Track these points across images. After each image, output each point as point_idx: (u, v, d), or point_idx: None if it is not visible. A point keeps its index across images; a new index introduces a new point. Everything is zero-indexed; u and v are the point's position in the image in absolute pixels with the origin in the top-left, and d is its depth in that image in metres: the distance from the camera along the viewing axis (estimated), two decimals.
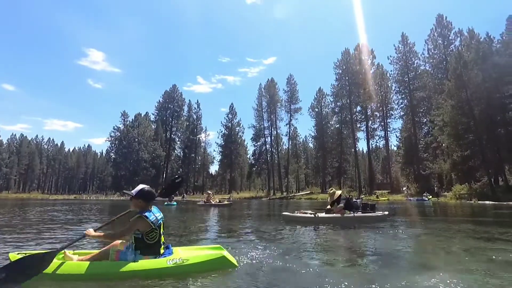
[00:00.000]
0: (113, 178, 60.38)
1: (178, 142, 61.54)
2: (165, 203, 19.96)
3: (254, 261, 3.33)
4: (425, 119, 42.15)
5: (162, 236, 2.95)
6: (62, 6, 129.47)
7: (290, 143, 54.11)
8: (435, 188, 34.74)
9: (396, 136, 49.23)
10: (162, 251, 2.91)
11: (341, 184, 47.77)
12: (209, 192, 20.72)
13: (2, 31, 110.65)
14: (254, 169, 54.21)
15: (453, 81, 27.95)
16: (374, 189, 41.75)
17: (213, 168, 66.81)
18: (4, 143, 74.82)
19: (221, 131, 56.63)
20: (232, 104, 58.07)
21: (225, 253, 2.99)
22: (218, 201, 19.00)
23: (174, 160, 60.24)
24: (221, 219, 10.18)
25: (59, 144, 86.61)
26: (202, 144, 59.86)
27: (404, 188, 38.38)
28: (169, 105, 61.89)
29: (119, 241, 2.89)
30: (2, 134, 72.89)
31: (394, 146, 51.17)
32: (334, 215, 8.08)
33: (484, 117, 25.51)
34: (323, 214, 8.21)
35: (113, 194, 52.82)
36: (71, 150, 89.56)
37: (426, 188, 33.14)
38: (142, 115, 62.15)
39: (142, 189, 2.96)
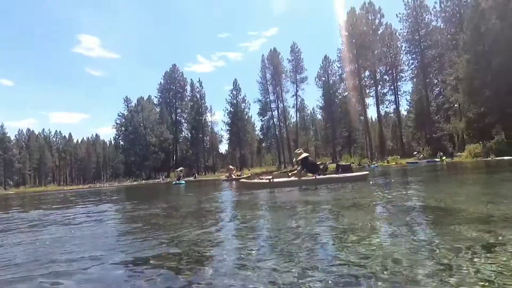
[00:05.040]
0: (124, 165, 60.89)
1: (185, 124, 60.92)
2: (174, 182, 20.71)
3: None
4: (436, 80, 40.72)
5: None
6: None
7: (298, 115, 53.32)
8: (450, 149, 34.04)
9: (407, 100, 47.97)
10: None
11: (351, 153, 47.33)
12: (231, 167, 21.19)
13: None
14: (263, 144, 53.90)
15: (469, 33, 26.33)
16: (386, 155, 41.25)
17: (223, 147, 66.79)
18: (13, 139, 75.36)
19: (227, 109, 55.84)
20: (235, 80, 56.62)
21: None
22: (238, 175, 19.67)
23: (183, 142, 60.05)
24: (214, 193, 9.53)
25: (67, 136, 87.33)
26: (209, 123, 59.22)
27: (415, 152, 37.87)
28: (171, 86, 60.72)
29: None
30: (10, 131, 72.78)
31: (405, 110, 50.02)
32: (292, 178, 8.00)
33: (504, 69, 24.12)
34: (282, 179, 8.21)
35: (127, 180, 53.53)
36: (79, 141, 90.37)
37: (439, 150, 32.42)
38: (145, 99, 61.30)
39: None
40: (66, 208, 7.13)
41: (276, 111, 51.82)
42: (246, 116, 56.88)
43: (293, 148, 51.62)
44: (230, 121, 55.12)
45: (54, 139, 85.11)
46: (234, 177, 18.43)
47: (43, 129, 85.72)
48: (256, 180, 8.50)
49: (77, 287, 1.52)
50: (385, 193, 5.01)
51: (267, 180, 7.89)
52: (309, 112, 65.99)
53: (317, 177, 7.78)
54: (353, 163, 33.98)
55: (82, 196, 12.52)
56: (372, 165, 30.80)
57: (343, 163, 11.00)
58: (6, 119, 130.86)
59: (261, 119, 53.87)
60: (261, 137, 54.62)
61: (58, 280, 1.62)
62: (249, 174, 20.27)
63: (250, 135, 57.04)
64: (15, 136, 77.14)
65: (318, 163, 9.01)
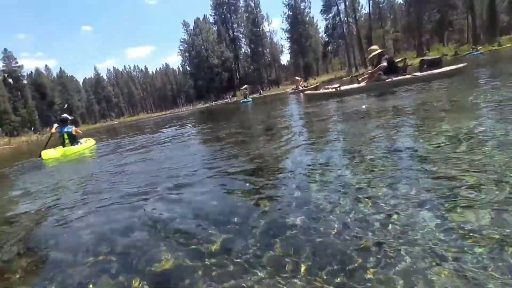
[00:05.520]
0: (194, 89, 63.96)
1: (243, 39, 57.62)
2: (241, 101, 21.82)
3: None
4: None
5: (66, 139, 6.68)
6: None
7: (370, 3, 43.38)
8: None
9: None
10: (65, 145, 6.64)
11: (444, 41, 37.67)
12: (297, 78, 19.96)
13: None
14: (329, 48, 47.41)
15: None
16: (497, 35, 31.24)
17: (284, 58, 62.39)
18: (105, 78, 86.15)
19: (285, 13, 49.37)
20: None
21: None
22: (305, 86, 18.66)
23: (243, 59, 57.95)
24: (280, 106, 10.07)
25: (143, 69, 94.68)
26: (267, 34, 54.32)
27: None
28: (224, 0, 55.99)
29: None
30: (100, 71, 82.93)
31: None
32: (362, 84, 7.02)
33: None
34: (350, 86, 7.38)
35: (199, 103, 56.71)
36: (154, 72, 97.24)
37: None
38: (201, 20, 59.01)
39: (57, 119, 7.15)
40: (159, 131, 8.52)
41: (342, 3, 43.12)
42: (307, 18, 49.55)
43: (365, 47, 44.06)
44: (289, 27, 49.19)
45: (135, 74, 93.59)
46: (301, 88, 17.47)
47: (124, 66, 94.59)
48: (322, 91, 7.98)
49: (182, 195, 1.85)
50: (491, 89, 3.71)
51: (334, 89, 7.29)
52: None
53: (393, 79, 6.53)
54: (446, 55, 26.97)
55: (167, 121, 14.28)
56: (474, 53, 23.76)
57: (430, 57, 8.54)
58: (97, 62, 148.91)
59: (325, 18, 46.46)
60: (326, 39, 47.75)
61: (170, 190, 1.98)
62: (317, 84, 18.56)
63: (314, 39, 50.34)
64: (106, 75, 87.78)
65: (396, 60, 7.39)
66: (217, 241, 1.18)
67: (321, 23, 50.38)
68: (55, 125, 6.87)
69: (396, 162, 1.63)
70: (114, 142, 7.80)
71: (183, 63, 65.41)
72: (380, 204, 1.18)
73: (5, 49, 54.24)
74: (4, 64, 54.20)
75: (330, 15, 45.45)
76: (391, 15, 48.66)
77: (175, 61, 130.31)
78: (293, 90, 18.30)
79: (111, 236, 1.44)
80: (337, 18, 45.04)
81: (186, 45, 60.53)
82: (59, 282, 1.15)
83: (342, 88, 7.27)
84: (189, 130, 7.36)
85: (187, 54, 61.41)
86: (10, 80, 54.13)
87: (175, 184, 2.10)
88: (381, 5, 46.06)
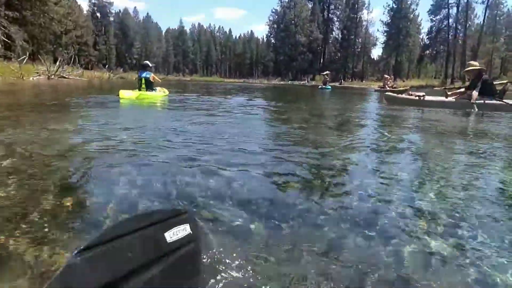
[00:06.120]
0: (274, 63, 65.14)
1: (337, 22, 56.28)
2: (319, 86, 21.16)
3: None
4: None
5: (143, 84, 7.08)
6: None
7: (486, 13, 40.19)
8: None
9: None
10: (141, 89, 7.06)
11: None
12: (387, 76, 19.33)
13: None
14: (427, 51, 45.54)
15: None
16: None
17: (375, 52, 60.47)
18: (188, 32, 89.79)
19: (388, 5, 47.62)
20: None
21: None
22: (393, 86, 17.84)
23: (332, 44, 57.27)
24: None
25: (227, 32, 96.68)
26: (363, 23, 52.96)
27: None
28: None
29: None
30: (186, 25, 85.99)
31: None
32: (449, 99, 6.66)
33: None
34: (436, 98, 6.94)
35: (275, 79, 56.92)
36: (237, 37, 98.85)
37: None
38: None
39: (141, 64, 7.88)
40: (229, 99, 8.68)
41: (455, 7, 40.71)
42: (412, 15, 47.44)
43: (468, 60, 41.90)
44: (389, 20, 47.76)
45: (217, 34, 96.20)
46: (387, 88, 16.72)
47: (210, 24, 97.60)
48: (404, 95, 7.70)
49: (232, 171, 1.77)
50: None
51: (417, 97, 6.95)
52: (506, 9, 47.82)
53: (486, 101, 6.12)
54: None
55: (240, 90, 14.37)
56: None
57: None
58: (184, 15, 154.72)
59: (431, 19, 43.85)
60: (427, 42, 45.70)
61: (224, 165, 1.89)
62: (406, 87, 17.81)
63: (413, 38, 48.43)
64: (189, 29, 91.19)
65: (495, 82, 7.03)
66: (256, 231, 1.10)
67: (425, 24, 47.80)
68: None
69: (467, 180, 1.48)
70: (184, 98, 8.10)
71: (269, 34, 65.72)
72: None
73: None
74: None
75: (438, 17, 42.99)
76: (506, 31, 44.49)
77: (261, 30, 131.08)
78: (380, 88, 17.84)
79: (146, 194, 1.42)
80: (445, 22, 42.85)
81: (276, 17, 60.47)
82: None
83: (427, 98, 6.89)
84: (260, 104, 7.35)
85: (275, 26, 61.36)
86: (98, 14, 55.16)
87: (230, 157, 2.05)
88: (499, 18, 42.38)
